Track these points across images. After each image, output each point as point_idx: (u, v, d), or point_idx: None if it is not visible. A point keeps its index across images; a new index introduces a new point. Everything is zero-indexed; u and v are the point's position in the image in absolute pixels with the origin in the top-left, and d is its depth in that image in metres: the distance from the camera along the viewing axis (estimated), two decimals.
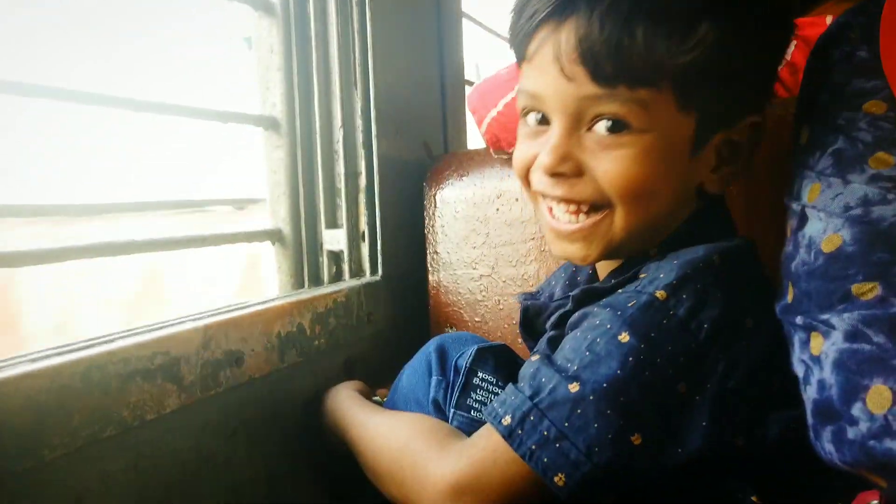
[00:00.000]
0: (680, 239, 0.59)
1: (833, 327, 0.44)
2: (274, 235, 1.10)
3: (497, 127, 1.05)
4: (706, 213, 0.62)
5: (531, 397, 0.53)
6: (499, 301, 1.05)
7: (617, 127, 0.54)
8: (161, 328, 0.72)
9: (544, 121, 0.59)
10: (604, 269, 0.67)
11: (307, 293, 0.95)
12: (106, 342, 0.66)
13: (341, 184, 1.09)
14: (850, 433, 0.41)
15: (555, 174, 0.57)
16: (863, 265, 0.44)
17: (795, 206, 0.52)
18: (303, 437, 0.90)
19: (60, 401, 0.58)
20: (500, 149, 1.08)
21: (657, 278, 0.54)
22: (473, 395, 0.69)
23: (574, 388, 0.51)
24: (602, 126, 0.55)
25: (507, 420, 0.53)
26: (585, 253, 0.60)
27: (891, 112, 0.49)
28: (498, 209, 1.08)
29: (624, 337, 0.51)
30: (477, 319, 1.09)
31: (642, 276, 0.57)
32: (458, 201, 1.12)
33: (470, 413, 0.68)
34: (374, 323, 1.07)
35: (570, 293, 0.63)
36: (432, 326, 1.14)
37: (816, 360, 0.44)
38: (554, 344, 0.62)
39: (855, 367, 0.41)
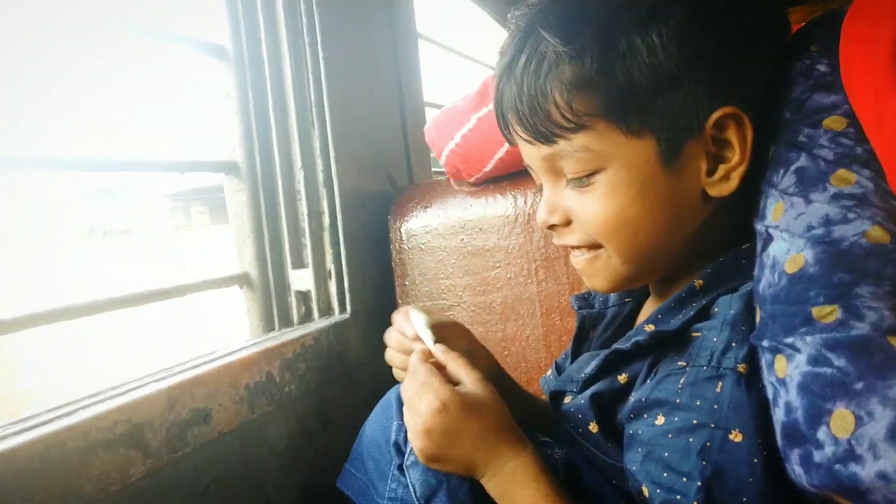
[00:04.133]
0: (722, 272, 0.57)
1: (797, 350, 0.44)
2: (242, 280, 1.09)
3: (456, 158, 1.05)
4: (731, 225, 0.58)
5: None
6: (470, 330, 1.05)
7: (581, 178, 0.56)
8: (122, 394, 0.71)
9: None
10: (657, 294, 0.66)
11: (274, 339, 0.94)
12: (65, 415, 0.65)
13: (305, 223, 1.09)
14: (817, 457, 0.41)
15: (549, 227, 0.61)
16: (823, 287, 0.44)
17: (760, 227, 0.52)
18: (278, 486, 0.89)
19: (19, 484, 0.57)
20: (460, 178, 1.09)
21: (728, 343, 0.51)
22: None
23: None
24: (568, 180, 0.58)
25: None
26: (599, 285, 0.62)
27: (850, 128, 0.49)
28: (462, 239, 1.08)
29: (736, 436, 0.47)
30: None
31: (715, 309, 0.54)
32: (424, 233, 1.12)
33: None
34: (346, 362, 1.07)
35: (636, 338, 0.59)
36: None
37: (782, 382, 0.45)
38: (599, 403, 0.60)
39: (818, 391, 0.42)
